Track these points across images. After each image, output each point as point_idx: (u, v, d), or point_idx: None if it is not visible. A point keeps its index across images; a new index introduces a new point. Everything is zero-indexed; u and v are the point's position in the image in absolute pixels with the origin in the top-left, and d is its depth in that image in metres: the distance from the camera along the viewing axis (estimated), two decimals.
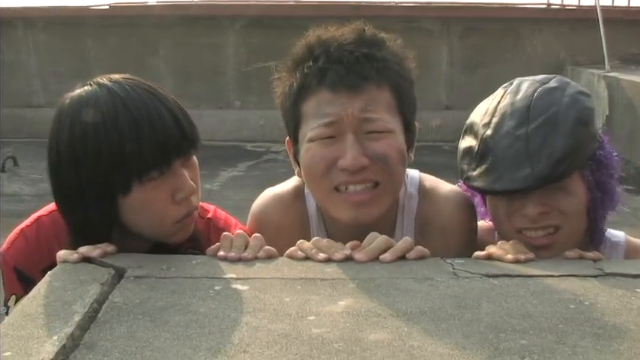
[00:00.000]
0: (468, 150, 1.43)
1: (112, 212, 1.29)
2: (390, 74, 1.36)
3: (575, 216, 1.40)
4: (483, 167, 1.39)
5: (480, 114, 1.45)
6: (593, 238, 1.46)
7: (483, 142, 1.40)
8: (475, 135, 1.43)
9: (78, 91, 1.32)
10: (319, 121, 1.34)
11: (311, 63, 1.36)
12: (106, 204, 1.28)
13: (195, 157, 1.36)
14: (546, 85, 1.42)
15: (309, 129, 1.35)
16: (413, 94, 1.42)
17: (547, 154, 1.34)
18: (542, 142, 1.34)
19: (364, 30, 1.40)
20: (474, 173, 1.40)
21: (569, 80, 1.47)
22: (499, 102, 1.43)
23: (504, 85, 1.48)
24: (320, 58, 1.36)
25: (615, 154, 1.46)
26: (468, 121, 1.49)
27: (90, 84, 1.32)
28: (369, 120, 1.33)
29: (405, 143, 1.39)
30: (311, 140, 1.35)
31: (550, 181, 1.34)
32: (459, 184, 1.54)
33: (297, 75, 1.38)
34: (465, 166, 1.43)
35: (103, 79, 1.31)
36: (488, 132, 1.39)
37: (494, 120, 1.40)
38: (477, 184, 1.40)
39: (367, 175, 1.34)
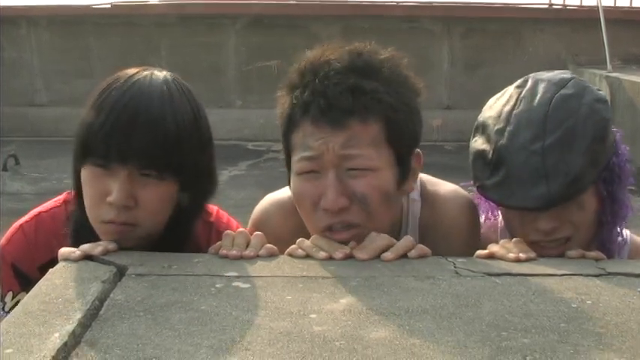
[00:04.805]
0: (481, 154, 1.39)
1: (78, 179, 1.33)
2: (378, 107, 1.27)
3: (585, 226, 1.39)
4: (497, 179, 1.35)
5: (494, 116, 1.40)
6: (603, 247, 1.43)
7: (497, 151, 1.36)
8: (488, 139, 1.39)
9: (132, 71, 1.34)
10: (302, 154, 1.30)
11: (298, 93, 1.31)
12: (76, 167, 1.33)
13: (171, 186, 1.30)
14: (563, 92, 1.37)
15: (294, 162, 1.32)
16: (411, 123, 1.33)
17: (563, 173, 1.31)
18: (558, 160, 1.31)
19: (360, 54, 1.32)
20: (488, 183, 1.37)
21: (585, 84, 1.41)
22: (513, 107, 1.38)
23: (518, 83, 1.43)
24: (307, 88, 1.30)
25: (627, 158, 1.42)
26: (480, 119, 1.44)
27: (145, 69, 1.34)
28: (350, 157, 1.27)
29: (398, 176, 1.32)
30: (296, 174, 1.32)
31: (564, 200, 1.32)
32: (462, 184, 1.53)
33: (288, 103, 1.34)
34: (479, 173, 1.40)
35: (154, 72, 1.34)
36: (503, 141, 1.35)
37: (509, 129, 1.35)
38: (491, 195, 1.38)
39: (346, 217, 1.29)
